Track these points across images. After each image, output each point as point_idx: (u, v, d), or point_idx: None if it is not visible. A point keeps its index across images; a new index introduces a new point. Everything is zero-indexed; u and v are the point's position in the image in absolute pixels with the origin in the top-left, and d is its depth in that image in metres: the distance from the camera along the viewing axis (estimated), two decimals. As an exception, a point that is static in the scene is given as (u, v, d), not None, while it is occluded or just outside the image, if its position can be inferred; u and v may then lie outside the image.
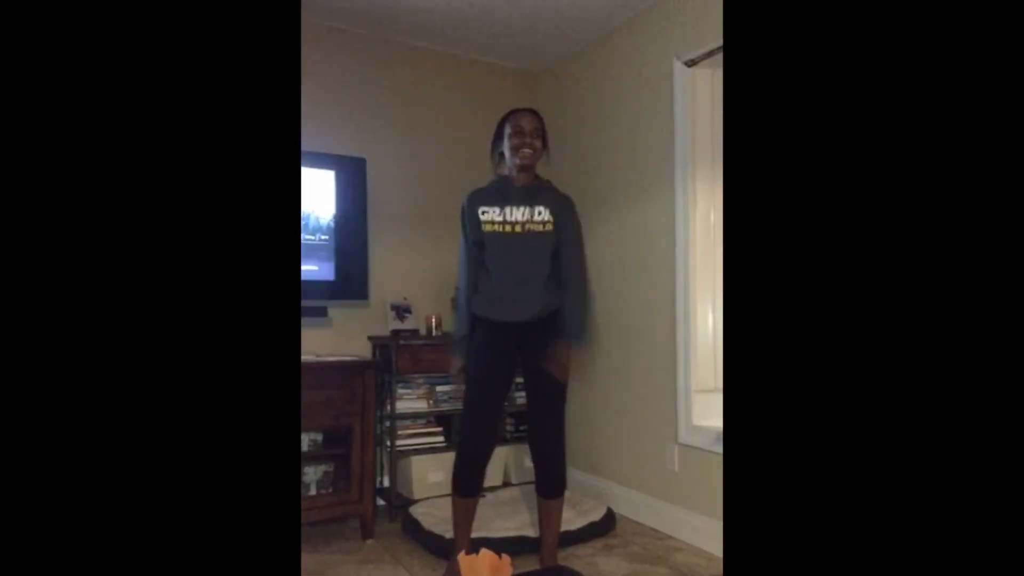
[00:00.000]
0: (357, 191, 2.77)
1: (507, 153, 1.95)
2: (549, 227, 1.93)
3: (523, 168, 1.95)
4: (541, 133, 1.97)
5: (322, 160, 2.70)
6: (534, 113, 1.97)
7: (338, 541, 2.41)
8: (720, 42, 2.28)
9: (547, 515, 2.05)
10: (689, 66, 2.45)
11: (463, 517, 2.01)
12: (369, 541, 2.41)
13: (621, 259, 2.80)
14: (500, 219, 1.93)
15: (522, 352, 1.99)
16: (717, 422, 2.35)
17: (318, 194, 2.68)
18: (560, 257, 1.97)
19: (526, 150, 1.92)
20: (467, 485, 1.98)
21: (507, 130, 1.96)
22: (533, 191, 1.96)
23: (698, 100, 2.46)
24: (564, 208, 1.98)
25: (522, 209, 1.93)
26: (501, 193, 1.97)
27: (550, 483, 2.02)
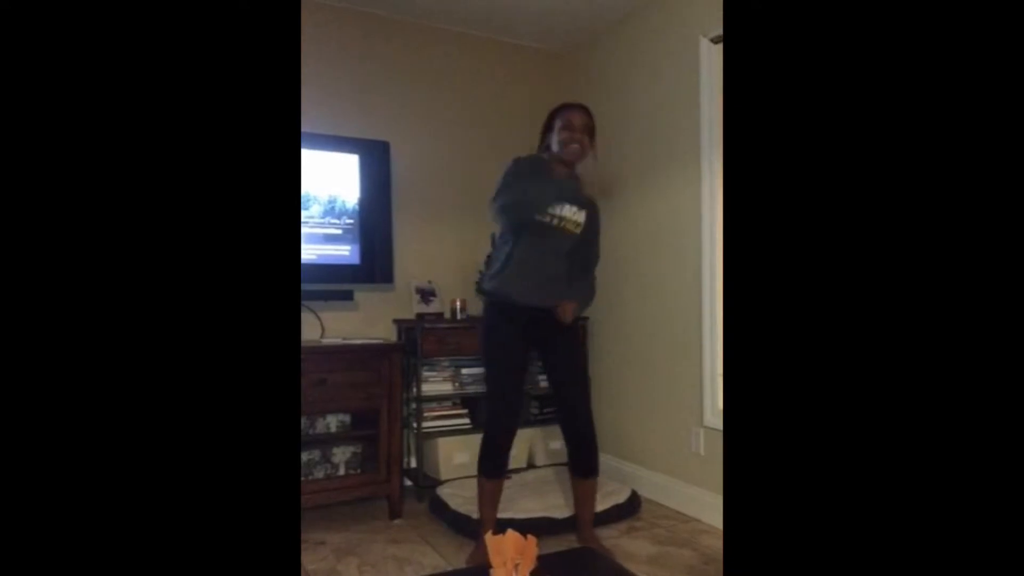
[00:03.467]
0: (381, 175, 2.78)
1: (555, 146, 1.96)
2: (579, 229, 1.99)
3: (568, 163, 1.97)
4: (591, 130, 1.99)
5: (346, 144, 2.71)
6: (585, 109, 2.00)
7: (367, 520, 2.46)
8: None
9: (583, 494, 2.11)
10: (715, 43, 2.40)
11: (489, 498, 2.06)
12: (397, 520, 2.45)
13: (646, 241, 2.77)
14: (543, 208, 1.93)
15: (539, 341, 2.04)
16: (744, 405, 2.33)
17: (343, 178, 2.70)
18: (581, 251, 2.04)
19: (575, 146, 1.93)
20: (493, 467, 2.03)
21: (557, 123, 1.97)
22: (574, 189, 1.97)
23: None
24: (593, 211, 2.05)
25: (564, 206, 1.95)
26: (546, 181, 1.95)
27: (586, 463, 2.07)
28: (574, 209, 1.97)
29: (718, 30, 2.36)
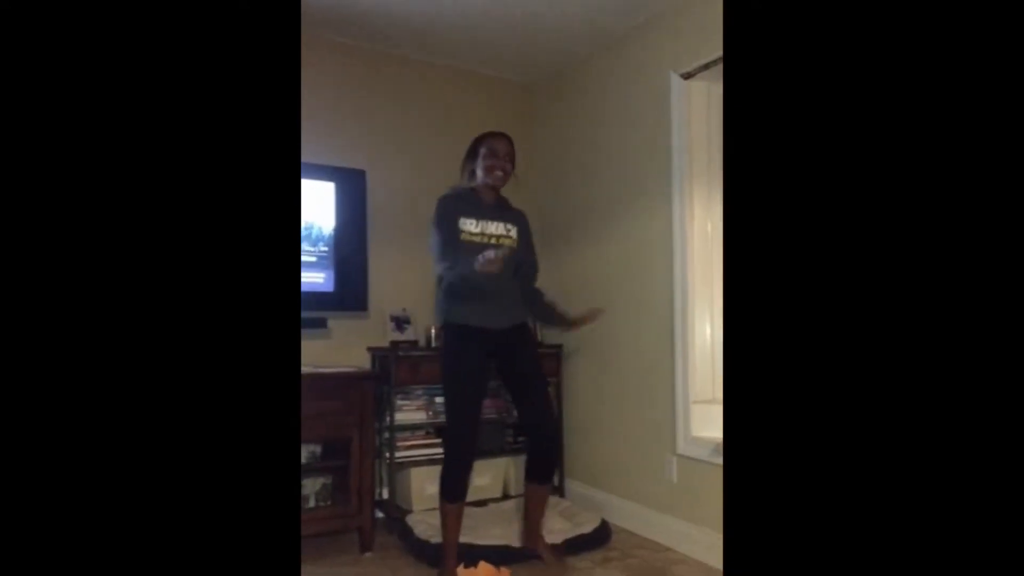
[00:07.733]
0: (357, 203, 2.78)
1: (480, 172, 2.09)
2: (516, 243, 2.12)
3: (493, 188, 2.12)
4: (512, 156, 2.11)
5: (322, 172, 2.71)
6: (507, 137, 2.12)
7: (336, 554, 2.40)
8: (716, 55, 2.30)
9: (537, 499, 2.17)
10: (685, 79, 2.47)
11: (453, 522, 2.10)
12: (367, 554, 2.40)
13: (619, 270, 2.81)
14: (478, 231, 2.06)
15: (498, 358, 2.11)
16: (716, 433, 2.35)
17: (318, 205, 2.69)
18: (523, 266, 2.16)
19: (499, 172, 2.08)
20: (455, 490, 2.08)
21: (482, 151, 2.10)
22: (501, 208, 2.14)
23: (694, 112, 2.48)
24: (524, 224, 2.19)
25: (495, 224, 2.10)
26: (474, 205, 2.09)
27: (548, 467, 2.14)
28: (509, 225, 2.11)
29: (688, 66, 2.44)
